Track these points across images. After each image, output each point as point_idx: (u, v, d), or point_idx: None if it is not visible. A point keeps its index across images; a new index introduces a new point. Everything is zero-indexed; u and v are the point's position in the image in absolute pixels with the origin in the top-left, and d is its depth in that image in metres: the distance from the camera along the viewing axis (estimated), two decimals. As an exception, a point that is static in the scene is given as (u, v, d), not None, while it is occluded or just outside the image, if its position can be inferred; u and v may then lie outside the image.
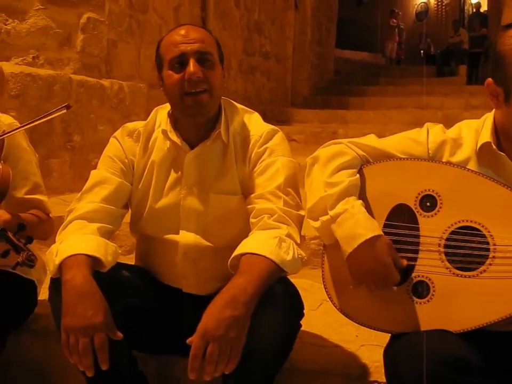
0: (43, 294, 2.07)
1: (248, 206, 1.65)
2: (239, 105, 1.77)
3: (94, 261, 1.50)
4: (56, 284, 1.50)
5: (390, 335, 1.51)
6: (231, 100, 1.77)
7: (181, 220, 1.70)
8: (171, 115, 1.73)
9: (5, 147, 1.84)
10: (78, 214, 1.64)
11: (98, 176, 1.71)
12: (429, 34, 16.82)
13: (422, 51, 16.21)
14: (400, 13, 16.54)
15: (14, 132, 1.78)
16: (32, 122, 1.75)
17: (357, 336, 1.95)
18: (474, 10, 15.10)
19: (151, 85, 5.22)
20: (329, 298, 1.57)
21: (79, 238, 1.56)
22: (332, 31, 11.94)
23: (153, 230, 1.73)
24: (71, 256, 1.48)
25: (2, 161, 1.79)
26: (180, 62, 1.60)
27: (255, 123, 1.74)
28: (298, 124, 8.16)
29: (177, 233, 1.70)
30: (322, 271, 1.59)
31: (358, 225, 1.45)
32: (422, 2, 19.07)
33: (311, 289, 2.35)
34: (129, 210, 1.80)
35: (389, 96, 9.63)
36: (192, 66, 1.59)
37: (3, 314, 1.76)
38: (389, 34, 15.97)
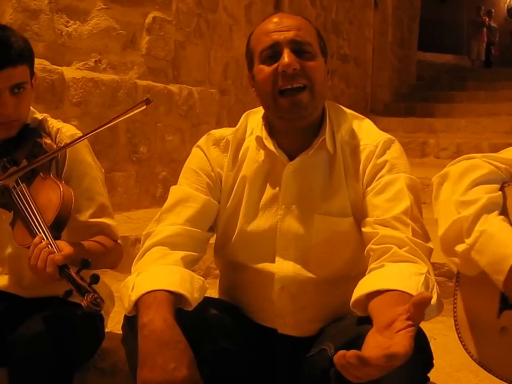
0: (110, 325, 2.00)
1: (365, 230, 1.46)
2: (346, 109, 1.60)
3: (177, 298, 1.34)
4: (131, 323, 1.35)
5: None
6: (336, 103, 1.60)
7: (278, 246, 1.53)
8: (266, 119, 1.57)
9: (67, 162, 1.72)
10: (157, 239, 1.49)
11: (180, 193, 1.56)
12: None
13: (515, 51, 15.64)
14: (492, 10, 15.99)
15: (85, 137, 1.66)
16: (106, 124, 1.64)
17: (478, 384, 1.80)
18: None
19: (221, 90, 5.14)
20: (463, 345, 1.43)
21: (159, 269, 1.40)
22: (415, 31, 11.68)
23: (243, 257, 1.57)
24: (150, 292, 1.32)
25: (63, 181, 1.66)
26: (272, 54, 1.45)
27: (367, 131, 1.56)
28: (382, 133, 7.90)
29: (273, 261, 1.53)
30: (455, 311, 1.43)
31: (502, 245, 1.30)
32: (515, -4, 18.38)
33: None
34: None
35: (480, 103, 9.27)
36: (286, 56, 1.43)
37: (69, 351, 1.62)
38: (476, 34, 15.48)
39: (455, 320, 1.43)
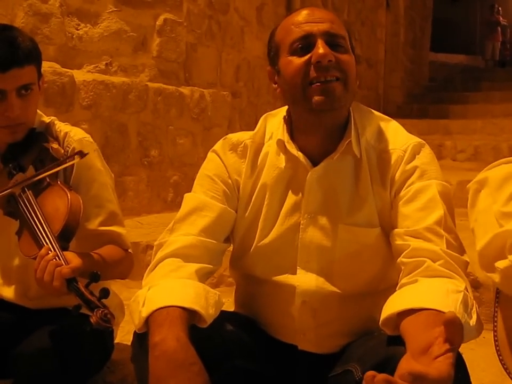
0: (119, 336, 1.92)
1: (395, 242, 1.35)
2: (372, 110, 1.48)
3: (191, 315, 1.24)
4: (141, 340, 1.25)
5: None
6: (360, 104, 1.48)
7: (299, 257, 1.42)
8: (287, 121, 1.47)
9: (75, 168, 1.64)
10: (170, 250, 1.38)
11: (195, 201, 1.46)
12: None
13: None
14: (500, 8, 15.81)
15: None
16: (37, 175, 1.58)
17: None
18: None
19: (233, 93, 5.07)
20: (505, 368, 1.30)
21: (172, 283, 1.30)
22: (427, 31, 11.53)
23: (262, 269, 1.46)
24: (162, 308, 1.22)
25: (71, 189, 1.59)
26: (304, 45, 1.35)
27: (395, 133, 1.44)
28: (394, 135, 7.76)
29: (294, 273, 1.42)
30: (495, 330, 1.31)
31: None
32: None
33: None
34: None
35: (495, 103, 9.07)
36: (321, 47, 1.32)
37: (76, 366, 1.55)
38: (490, 33, 15.30)
39: (495, 341, 1.32)
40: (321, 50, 1.32)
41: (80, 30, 4.03)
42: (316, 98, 1.33)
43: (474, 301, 1.22)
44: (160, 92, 4.08)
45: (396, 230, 1.35)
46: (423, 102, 9.94)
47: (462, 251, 1.32)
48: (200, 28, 4.84)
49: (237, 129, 4.75)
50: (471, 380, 1.24)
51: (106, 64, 4.09)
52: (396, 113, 9.27)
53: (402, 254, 1.30)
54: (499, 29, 15.28)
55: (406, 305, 1.17)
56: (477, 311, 1.20)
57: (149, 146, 4.04)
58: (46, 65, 3.45)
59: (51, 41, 3.75)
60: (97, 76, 3.78)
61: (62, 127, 1.72)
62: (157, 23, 4.35)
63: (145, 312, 1.23)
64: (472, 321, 1.16)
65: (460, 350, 1.24)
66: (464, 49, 15.60)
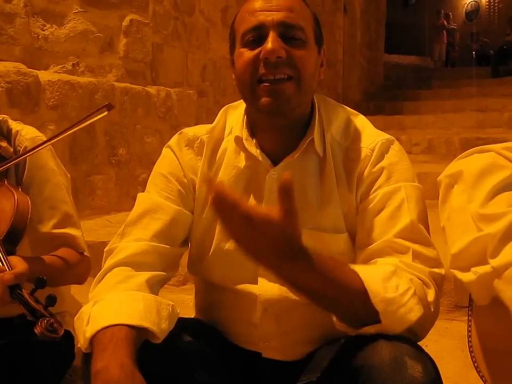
0: None
1: (359, 260, 1.15)
2: (339, 104, 1.27)
3: (140, 332, 1.03)
4: (88, 360, 1.02)
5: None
6: (327, 97, 1.28)
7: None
8: (247, 116, 1.25)
9: (27, 168, 1.44)
10: (119, 258, 1.16)
11: (147, 202, 1.24)
12: (481, 34, 16.15)
13: (474, 52, 15.52)
14: (450, 13, 15.94)
15: (42, 147, 1.37)
16: (64, 132, 1.37)
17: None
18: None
19: (200, 92, 4.86)
20: (480, 375, 1.15)
21: (119, 298, 1.08)
22: (381, 33, 11.53)
23: (221, 276, 1.25)
24: (106, 328, 1.00)
25: (20, 189, 1.39)
26: (256, 37, 1.14)
27: (362, 130, 1.23)
28: (353, 131, 7.69)
29: (255, 282, 1.21)
30: (469, 335, 1.17)
31: None
32: (472, 1, 18.22)
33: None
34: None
35: (444, 100, 9.12)
36: (270, 41, 1.11)
37: (27, 380, 1.35)
38: (437, 36, 15.40)
39: (469, 344, 1.16)
40: (269, 45, 1.11)
41: (46, 31, 3.76)
42: (263, 100, 1.13)
43: (413, 287, 1.03)
44: (126, 91, 3.86)
45: (361, 244, 1.16)
46: (379, 100, 9.91)
47: (438, 264, 1.12)
48: (166, 28, 4.61)
49: (204, 127, 4.55)
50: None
51: (73, 64, 3.84)
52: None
53: None
54: (444, 32, 15.39)
55: None
56: (408, 293, 1.02)
57: (116, 145, 3.81)
58: (10, 66, 3.19)
59: (16, 42, 3.48)
60: (63, 76, 3.53)
61: (13, 125, 1.51)
62: (123, 23, 4.11)
63: (89, 332, 1.01)
64: (392, 295, 1.00)
65: (424, 342, 1.05)
66: (415, 50, 15.71)
